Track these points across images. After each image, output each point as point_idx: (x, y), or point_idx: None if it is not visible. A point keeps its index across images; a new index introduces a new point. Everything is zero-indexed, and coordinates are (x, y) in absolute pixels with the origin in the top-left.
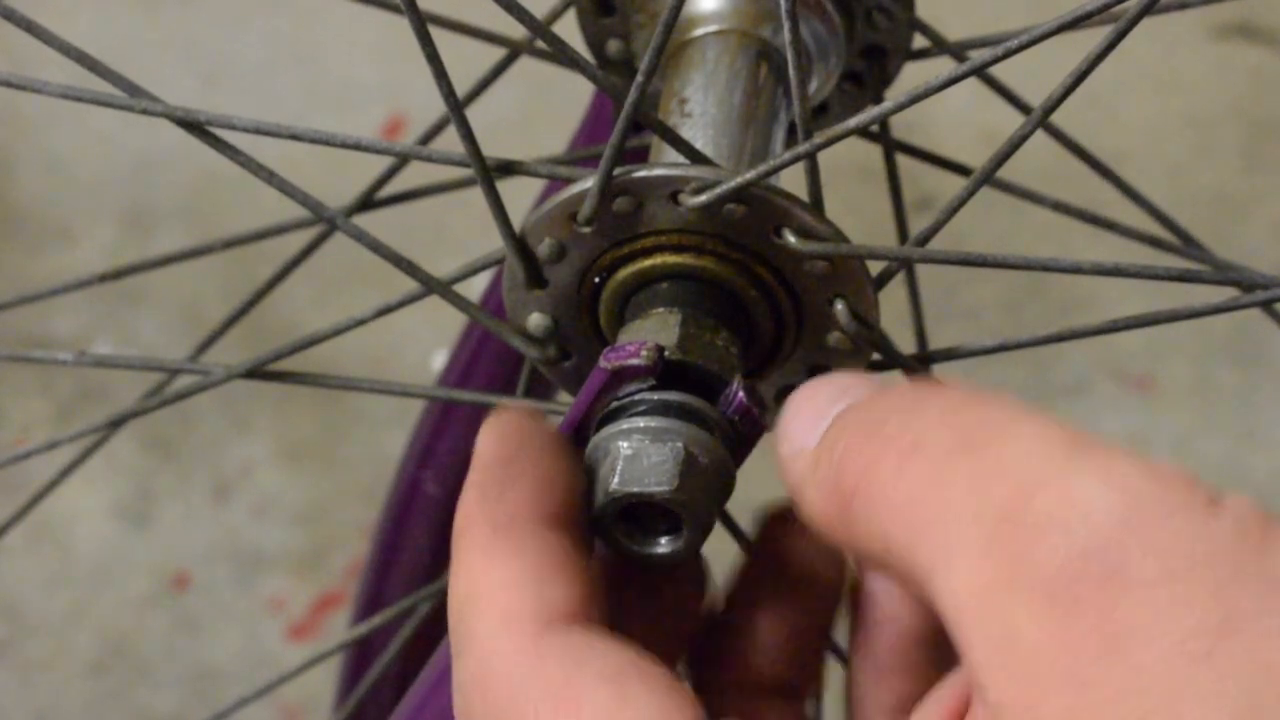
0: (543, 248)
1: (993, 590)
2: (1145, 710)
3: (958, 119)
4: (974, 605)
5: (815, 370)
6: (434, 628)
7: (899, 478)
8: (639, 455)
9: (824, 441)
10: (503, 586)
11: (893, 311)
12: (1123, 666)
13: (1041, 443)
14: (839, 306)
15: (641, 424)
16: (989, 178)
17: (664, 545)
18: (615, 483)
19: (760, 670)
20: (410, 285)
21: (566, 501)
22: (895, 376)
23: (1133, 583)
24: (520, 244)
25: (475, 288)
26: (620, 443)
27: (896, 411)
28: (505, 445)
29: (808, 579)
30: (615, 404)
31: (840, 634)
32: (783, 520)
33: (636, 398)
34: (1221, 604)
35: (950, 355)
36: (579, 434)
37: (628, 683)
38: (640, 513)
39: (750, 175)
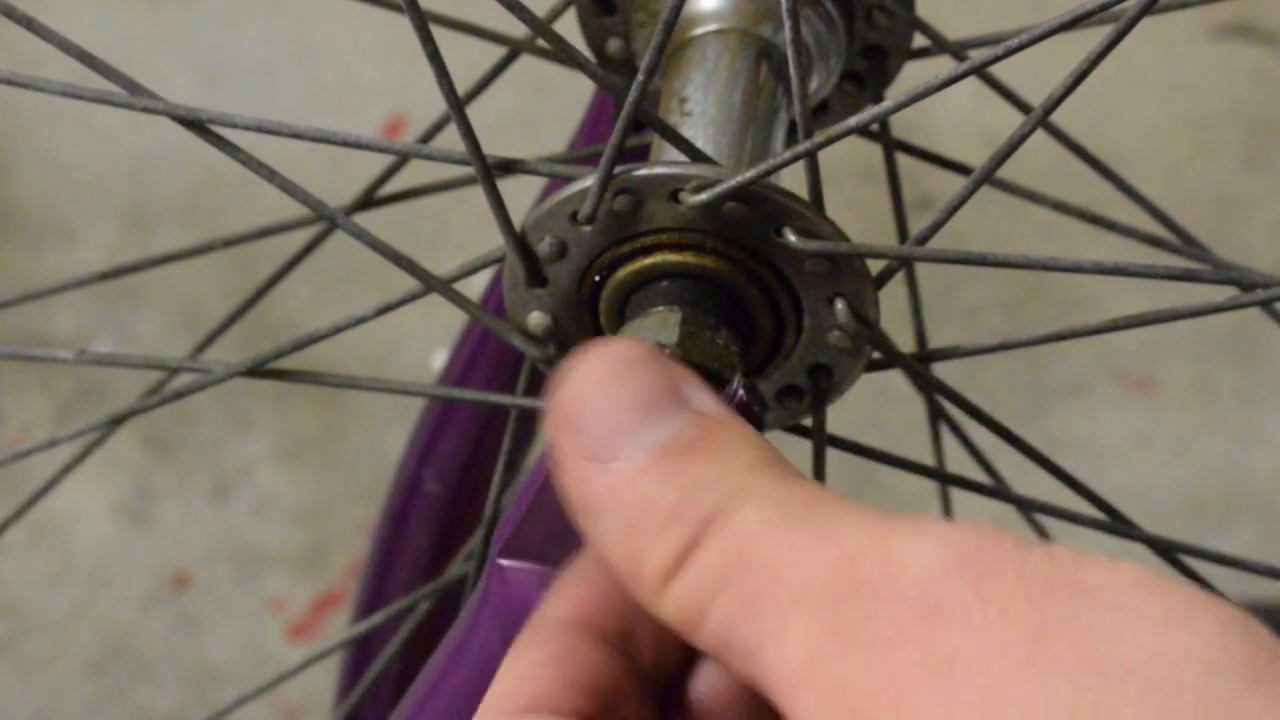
0: (543, 246)
1: (822, 649)
2: (973, 713)
3: (958, 119)
4: (804, 668)
5: (816, 370)
6: (434, 627)
7: (721, 559)
8: None
9: (637, 486)
10: (502, 674)
11: (893, 311)
12: (945, 686)
13: (860, 514)
14: (839, 305)
15: None
16: (989, 177)
17: None
18: None
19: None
20: (410, 284)
21: (611, 604)
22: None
23: (953, 614)
24: (521, 242)
25: (475, 286)
26: None
27: (729, 470)
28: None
29: None
30: None
31: None
32: None
33: None
34: (1037, 614)
35: (950, 355)
36: None
37: None
38: None
39: (750, 174)
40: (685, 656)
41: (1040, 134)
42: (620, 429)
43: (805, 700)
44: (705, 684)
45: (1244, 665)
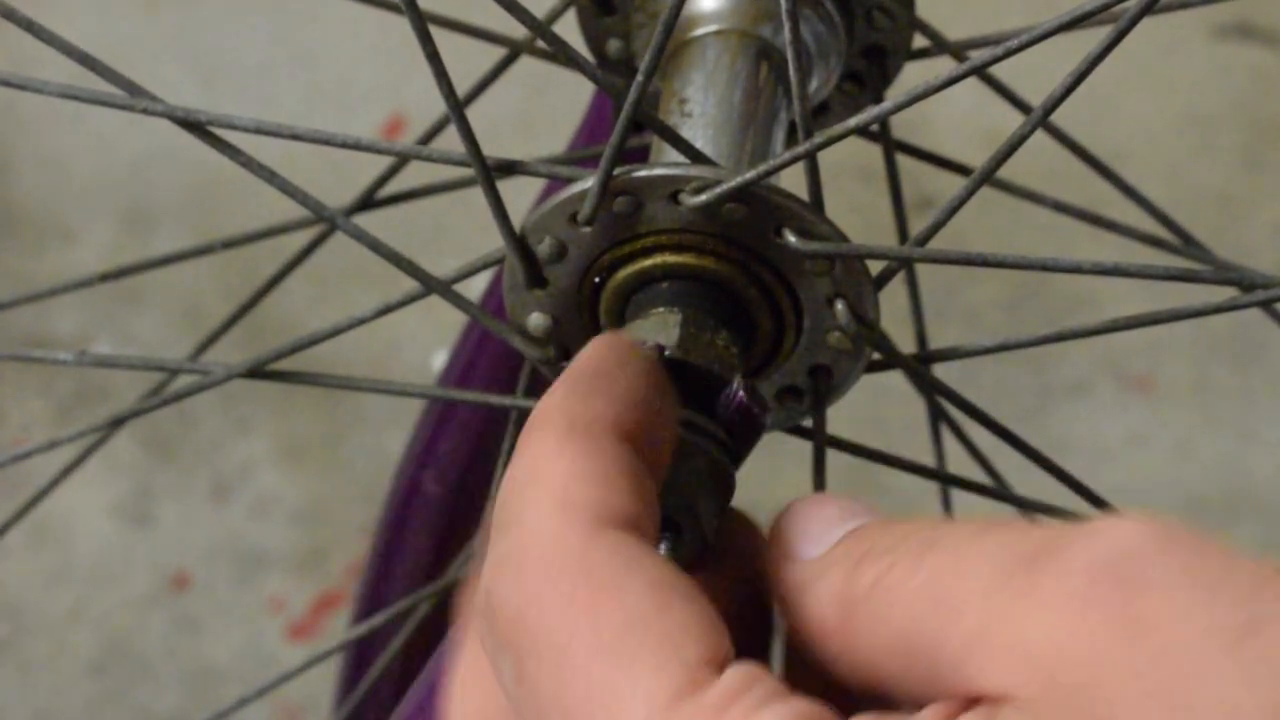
0: (543, 247)
1: (1008, 610)
2: (1170, 684)
3: (958, 119)
4: (988, 630)
5: (816, 370)
6: (434, 628)
7: (915, 572)
8: None
9: (835, 552)
10: (568, 477)
11: (893, 311)
12: (1141, 648)
13: (1056, 522)
14: (839, 306)
15: None
16: (989, 178)
17: (664, 550)
18: None
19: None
20: (410, 285)
21: (649, 426)
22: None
23: (1154, 584)
24: (520, 244)
25: (475, 287)
26: None
27: (913, 528)
28: (604, 359)
29: (735, 551)
30: None
31: None
32: None
33: None
34: (1245, 608)
35: (950, 355)
36: None
37: (672, 595)
38: None
39: (750, 175)
40: None
41: (1040, 134)
42: (824, 529)
43: (981, 661)
44: None
45: None
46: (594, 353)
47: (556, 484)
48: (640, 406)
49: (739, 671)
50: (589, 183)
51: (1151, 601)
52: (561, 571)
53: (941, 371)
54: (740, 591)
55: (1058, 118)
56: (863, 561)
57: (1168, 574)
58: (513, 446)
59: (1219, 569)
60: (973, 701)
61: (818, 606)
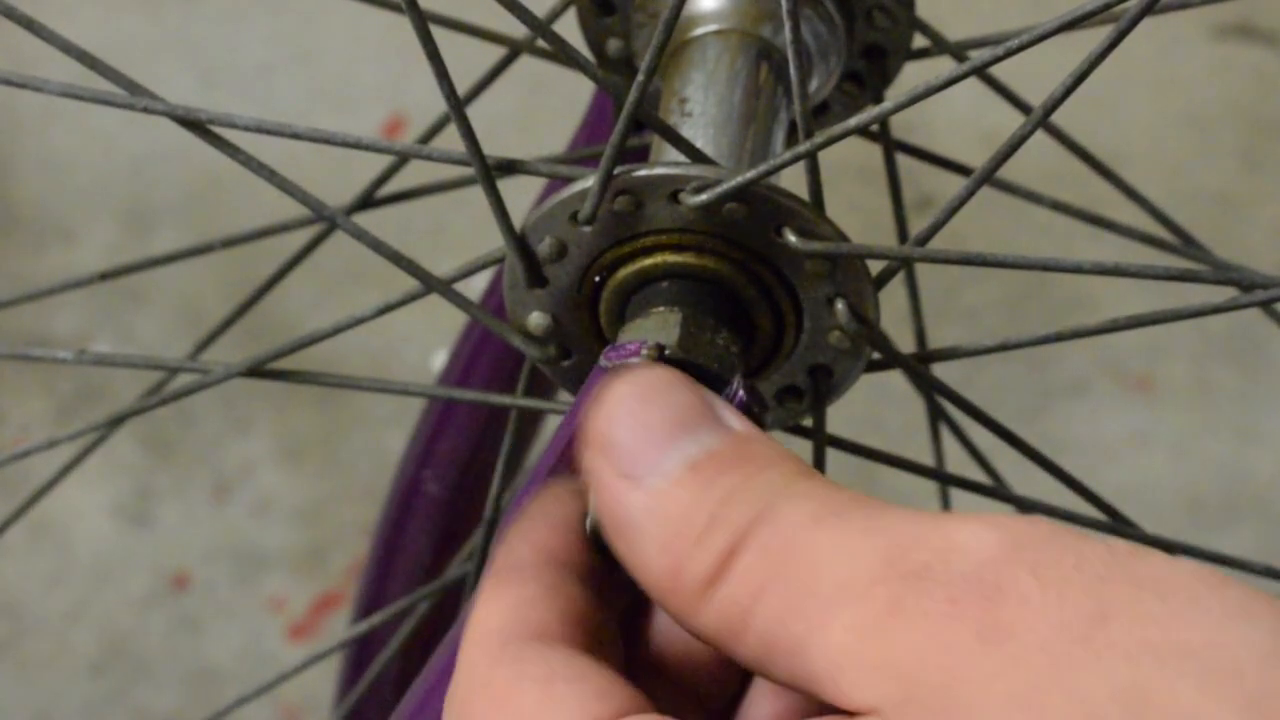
0: (543, 247)
1: (871, 628)
2: (1025, 685)
3: (958, 119)
4: (852, 646)
5: (815, 370)
6: (434, 628)
7: (769, 558)
8: None
9: (673, 498)
10: (489, 610)
11: (893, 311)
12: (1000, 656)
13: (907, 510)
14: (839, 306)
15: None
16: (989, 178)
17: None
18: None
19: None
20: (410, 284)
21: (573, 544)
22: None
23: (1010, 594)
24: (521, 243)
25: (475, 287)
26: None
27: (755, 491)
28: (541, 507)
29: None
30: None
31: None
32: None
33: None
34: (1095, 599)
35: (950, 355)
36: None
37: (555, 684)
38: None
39: (751, 175)
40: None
41: (1040, 134)
42: (653, 446)
43: (853, 677)
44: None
45: None
46: (537, 504)
47: (480, 620)
48: (562, 529)
49: None
50: (589, 182)
51: (1008, 608)
52: (473, 693)
53: (941, 371)
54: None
55: (1058, 118)
56: (713, 527)
57: (1020, 577)
58: (513, 446)
59: (1070, 563)
60: (843, 713)
61: (658, 556)
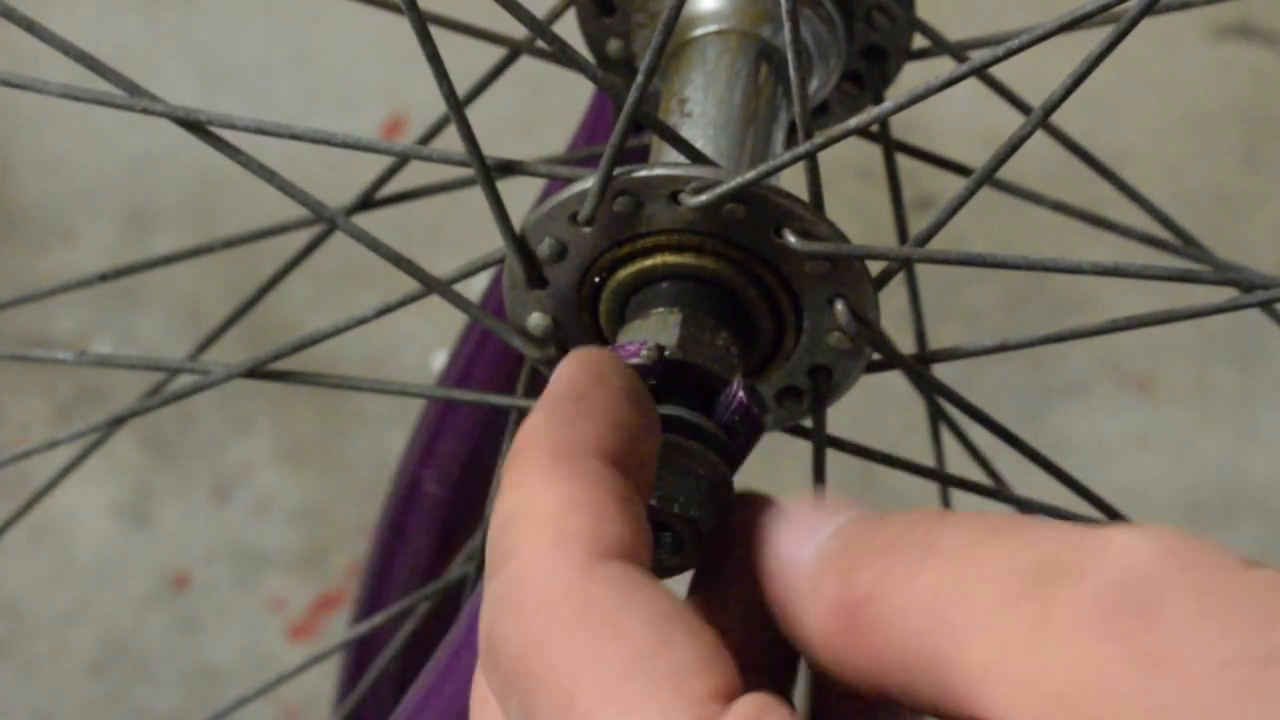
0: (543, 247)
1: (1019, 640)
2: None
3: (958, 119)
4: (998, 661)
5: (815, 370)
6: (434, 628)
7: (915, 577)
8: None
9: (827, 554)
10: (559, 508)
11: (893, 311)
12: (1161, 685)
13: (1062, 525)
14: (839, 306)
15: None
16: (989, 178)
17: (666, 556)
18: None
19: (739, 640)
20: (410, 285)
21: (633, 446)
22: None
23: (1169, 616)
24: (520, 244)
25: (475, 287)
26: None
27: (907, 525)
28: (581, 380)
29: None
30: None
31: None
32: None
33: None
34: (1263, 640)
35: (950, 355)
36: None
37: (675, 628)
38: None
39: (750, 175)
40: None
41: (1040, 134)
42: (801, 533)
43: (998, 692)
44: None
45: None
46: (569, 372)
47: (548, 517)
48: (623, 426)
49: (749, 704)
50: (589, 183)
51: (1168, 632)
52: (561, 610)
53: (941, 371)
54: (753, 601)
55: (1058, 118)
56: (857, 563)
57: (1183, 600)
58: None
59: (1236, 590)
60: None
61: (814, 613)
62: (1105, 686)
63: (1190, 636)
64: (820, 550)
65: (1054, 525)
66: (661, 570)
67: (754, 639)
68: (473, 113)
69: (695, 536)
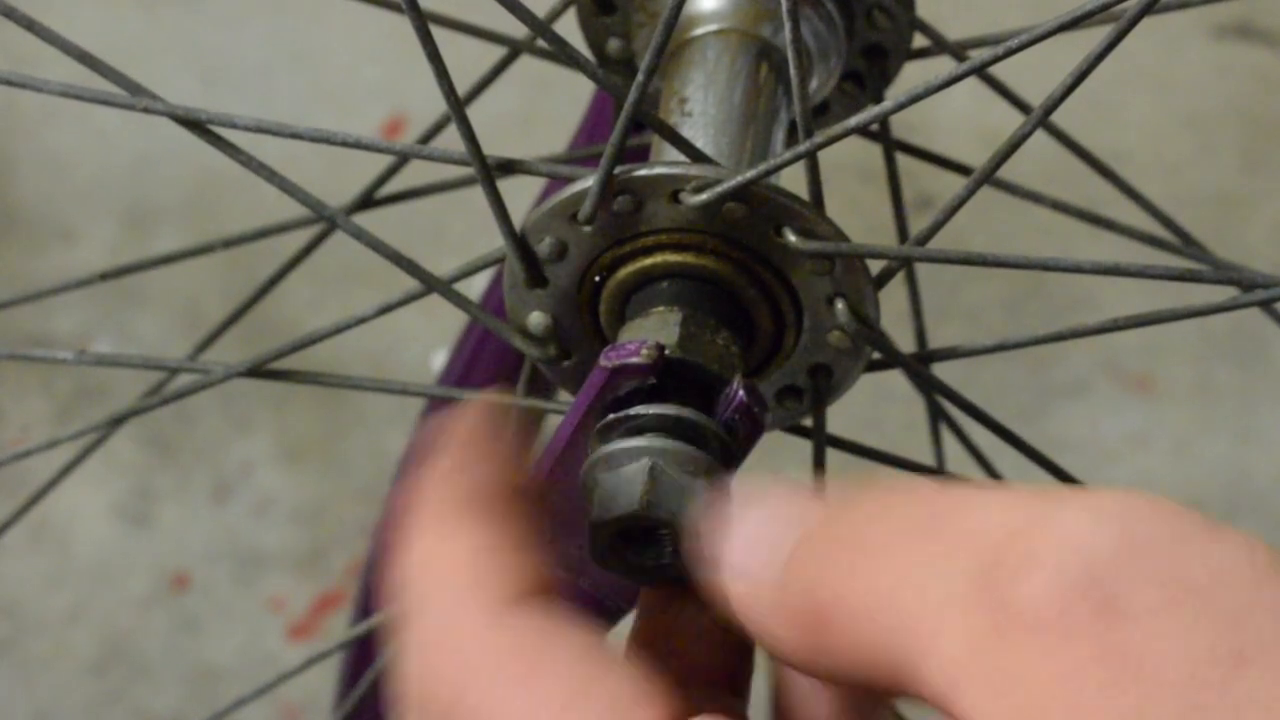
0: (543, 247)
1: (983, 642)
2: None
3: (958, 119)
4: (966, 664)
5: (816, 370)
6: None
7: (871, 581)
8: (612, 479)
9: (790, 574)
10: (469, 554)
11: (893, 311)
12: (1132, 694)
13: (1012, 501)
14: (839, 305)
15: (615, 448)
16: (989, 177)
17: (659, 558)
18: (595, 513)
19: (693, 659)
20: (410, 284)
21: (529, 480)
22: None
23: (1132, 611)
24: (521, 243)
25: (475, 287)
26: (598, 473)
27: (858, 524)
28: (470, 429)
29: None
30: (602, 423)
31: None
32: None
33: (620, 415)
34: (1234, 633)
35: (950, 355)
36: (579, 433)
37: (604, 662)
38: (637, 533)
39: (751, 174)
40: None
41: (1040, 134)
42: (755, 531)
43: (971, 697)
44: None
45: None
46: (462, 421)
47: (458, 566)
48: (517, 464)
49: None
50: (589, 182)
51: (1133, 630)
52: (490, 656)
53: (941, 371)
54: (705, 617)
55: (1058, 118)
56: (814, 567)
57: (1145, 592)
58: None
59: (1202, 573)
60: None
61: (786, 635)
62: (1074, 692)
63: (1157, 633)
64: (774, 554)
65: (998, 503)
66: (663, 571)
67: (707, 655)
68: (473, 112)
69: (683, 532)
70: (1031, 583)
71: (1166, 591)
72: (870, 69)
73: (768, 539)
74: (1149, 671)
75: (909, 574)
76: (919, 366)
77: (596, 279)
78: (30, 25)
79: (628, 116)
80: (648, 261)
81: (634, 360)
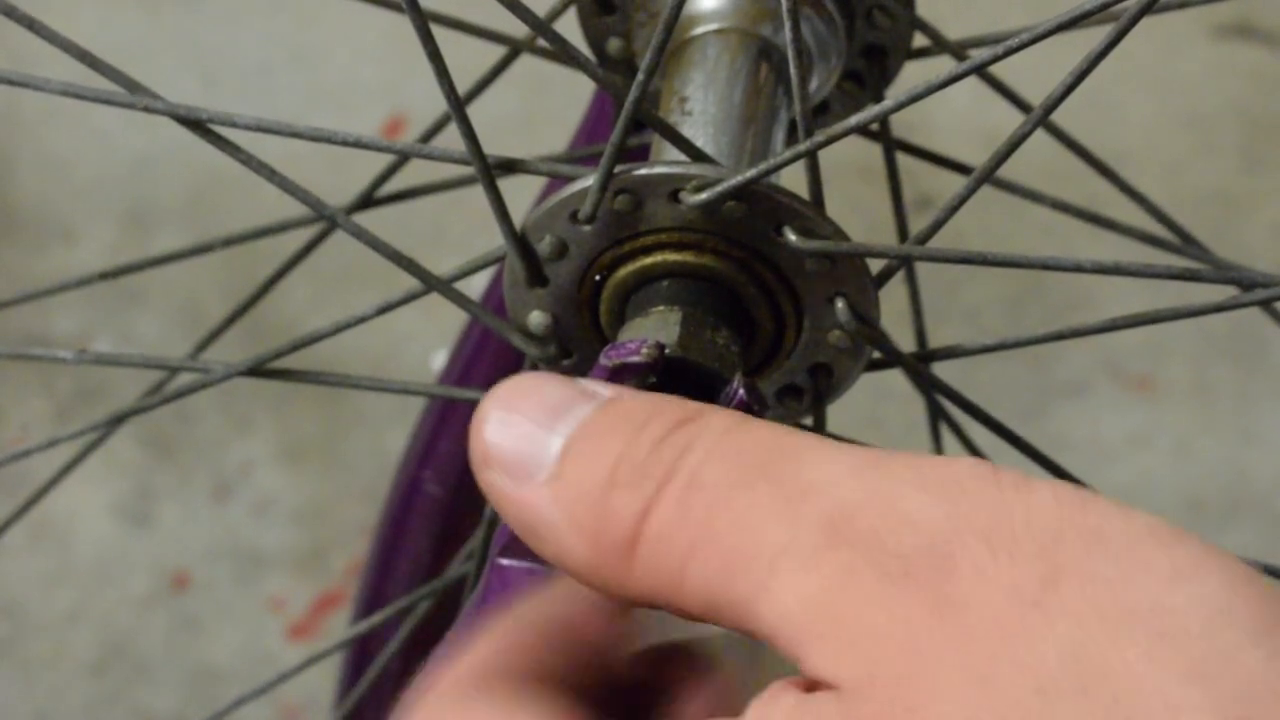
0: (543, 246)
1: (826, 594)
2: (978, 657)
3: (958, 119)
4: (807, 610)
5: (816, 369)
6: (434, 627)
7: (686, 516)
8: None
9: (567, 478)
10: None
11: (893, 310)
12: (953, 625)
13: (843, 462)
14: (839, 305)
15: None
16: (989, 177)
17: None
18: None
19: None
20: (411, 283)
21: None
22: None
23: (962, 564)
24: (521, 242)
25: (475, 286)
26: None
27: (648, 445)
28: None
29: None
30: None
31: None
32: None
33: None
34: (1045, 560)
35: (950, 354)
36: None
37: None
38: None
39: (751, 173)
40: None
41: (1040, 134)
42: (533, 442)
43: (811, 644)
44: None
45: (1250, 619)
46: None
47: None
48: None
49: None
50: (589, 181)
51: (963, 579)
52: None
53: (941, 370)
54: (566, 630)
55: (1058, 118)
56: (611, 504)
57: (973, 546)
58: None
59: (1020, 520)
60: (809, 685)
61: (582, 551)
62: (909, 640)
63: (981, 576)
64: (556, 468)
65: (824, 463)
66: None
67: (579, 672)
68: (473, 111)
69: None
70: (874, 552)
71: (989, 543)
72: (870, 68)
73: (531, 429)
74: (974, 606)
75: (733, 519)
76: (919, 366)
77: (597, 278)
78: (31, 24)
79: (628, 116)
80: (648, 260)
81: (634, 359)
